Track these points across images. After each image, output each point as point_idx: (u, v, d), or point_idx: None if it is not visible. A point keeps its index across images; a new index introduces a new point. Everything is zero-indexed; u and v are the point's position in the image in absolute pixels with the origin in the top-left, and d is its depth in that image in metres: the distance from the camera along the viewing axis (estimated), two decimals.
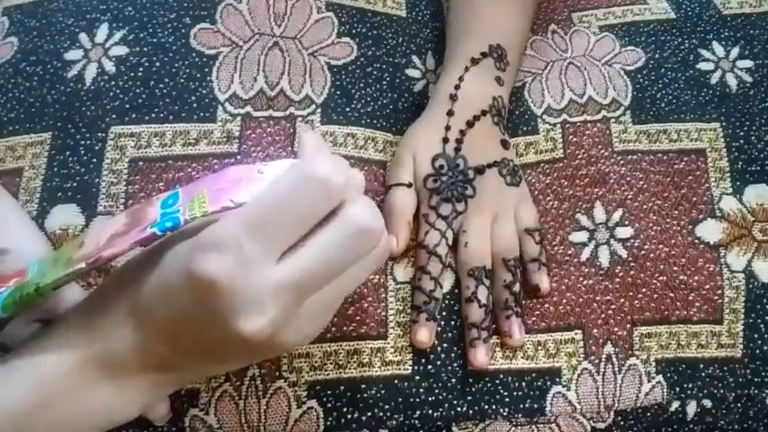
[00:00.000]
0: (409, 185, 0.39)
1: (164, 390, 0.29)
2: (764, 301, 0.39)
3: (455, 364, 0.37)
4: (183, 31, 0.42)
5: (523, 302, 0.38)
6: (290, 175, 0.24)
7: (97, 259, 0.25)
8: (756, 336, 0.39)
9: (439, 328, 0.37)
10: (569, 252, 0.40)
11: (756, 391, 0.38)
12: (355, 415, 0.35)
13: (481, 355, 0.36)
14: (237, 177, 0.27)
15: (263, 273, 0.24)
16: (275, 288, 0.24)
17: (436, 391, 0.36)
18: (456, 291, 0.38)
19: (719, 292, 0.39)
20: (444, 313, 0.37)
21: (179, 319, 0.25)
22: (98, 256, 0.25)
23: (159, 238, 0.25)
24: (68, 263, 0.26)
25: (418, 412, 0.36)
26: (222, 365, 0.30)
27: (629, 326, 0.38)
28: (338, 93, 0.42)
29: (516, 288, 0.37)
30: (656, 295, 0.39)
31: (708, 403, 0.38)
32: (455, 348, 0.37)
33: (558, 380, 0.37)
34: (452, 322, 0.37)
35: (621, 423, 0.37)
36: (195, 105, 0.40)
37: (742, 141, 0.42)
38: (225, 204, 0.25)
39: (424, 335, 0.36)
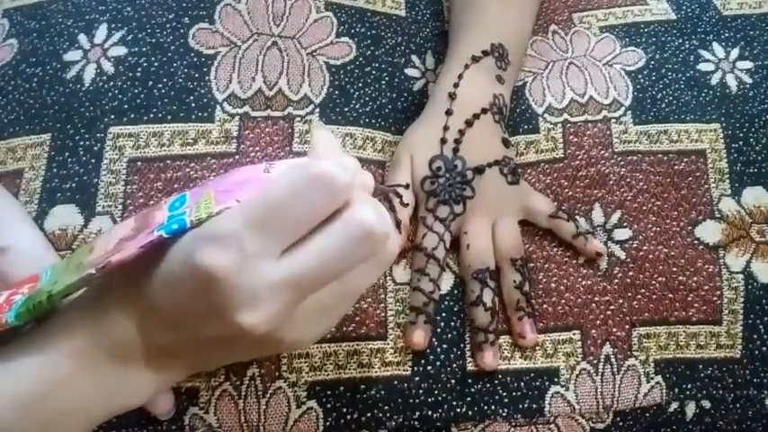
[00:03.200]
0: (406, 187, 0.39)
1: (168, 378, 0.29)
2: (763, 301, 0.39)
3: (454, 365, 0.37)
4: (182, 31, 0.42)
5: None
6: (295, 172, 0.24)
7: (106, 265, 0.25)
8: (755, 336, 0.39)
9: (438, 330, 0.37)
10: (568, 253, 0.40)
11: (755, 392, 0.38)
12: (355, 415, 0.35)
13: (489, 358, 0.36)
14: (244, 178, 0.27)
15: (262, 269, 0.24)
16: (274, 285, 0.24)
17: (436, 391, 0.36)
18: (456, 292, 0.38)
19: (718, 292, 0.39)
20: (444, 314, 0.37)
21: (181, 308, 0.26)
22: (107, 261, 0.25)
23: (165, 241, 0.25)
24: (79, 268, 0.27)
25: (418, 413, 0.36)
26: (223, 357, 0.30)
27: (627, 326, 0.38)
28: (337, 92, 0.42)
29: (526, 288, 0.38)
30: (654, 296, 0.39)
31: (707, 404, 0.38)
32: (454, 349, 0.37)
33: (556, 380, 0.37)
34: (452, 323, 0.37)
35: (620, 423, 0.37)
36: (193, 105, 0.40)
37: (741, 143, 0.42)
38: (230, 205, 0.25)
39: (420, 337, 0.36)
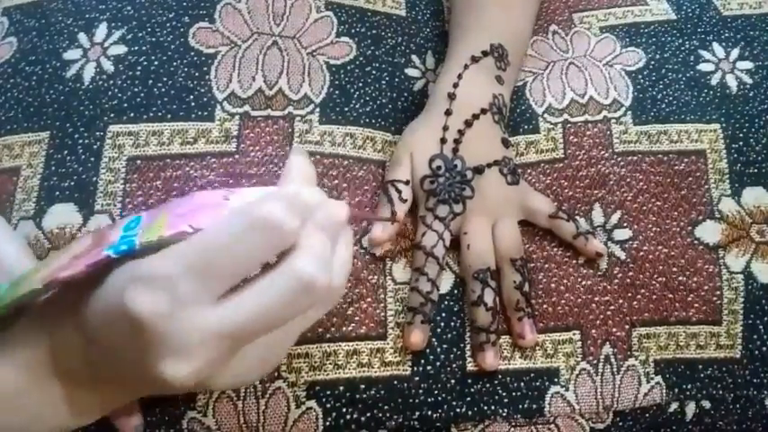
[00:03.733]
0: (406, 183, 0.39)
1: (118, 397, 0.28)
2: (763, 302, 0.39)
3: (454, 365, 0.36)
4: (182, 30, 0.42)
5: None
6: (237, 215, 0.23)
7: (52, 281, 0.24)
8: (755, 336, 0.39)
9: (438, 330, 0.37)
10: (568, 253, 0.40)
11: (755, 392, 0.38)
12: (354, 415, 0.35)
13: (490, 358, 0.36)
14: (201, 203, 0.26)
15: (194, 317, 0.22)
16: (205, 336, 0.22)
17: (435, 391, 0.36)
18: (456, 292, 0.38)
19: (718, 293, 0.39)
20: (444, 314, 0.37)
21: (113, 341, 0.24)
22: (53, 277, 0.25)
23: (113, 261, 0.24)
24: (29, 283, 0.26)
25: (417, 413, 0.36)
26: (159, 390, 0.28)
27: (627, 326, 0.38)
28: (337, 92, 0.42)
29: (526, 288, 0.38)
30: (654, 296, 0.39)
31: (707, 404, 0.38)
32: (454, 349, 0.37)
33: (556, 380, 0.37)
34: (452, 323, 0.37)
35: (620, 424, 0.37)
36: (193, 104, 0.40)
37: (741, 143, 0.42)
38: (182, 229, 0.24)
39: (418, 337, 0.35)
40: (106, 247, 0.25)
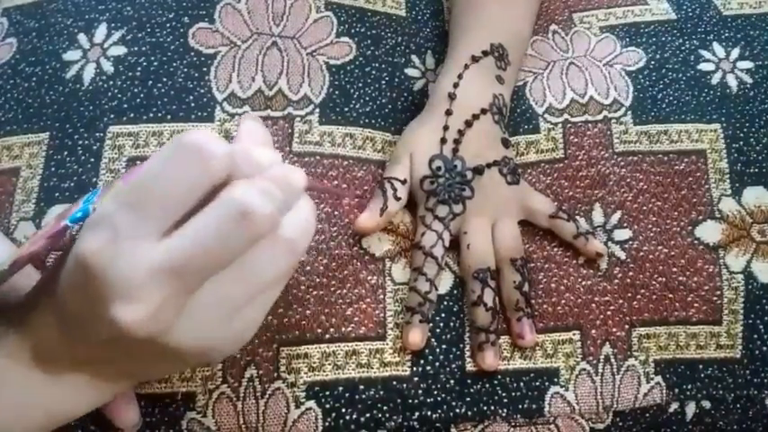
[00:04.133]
0: (403, 182, 0.39)
1: (103, 388, 0.27)
2: (763, 301, 0.39)
3: (454, 366, 0.36)
4: (182, 30, 0.42)
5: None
6: (167, 146, 0.22)
7: (17, 260, 0.24)
8: (756, 336, 0.39)
9: (438, 330, 0.37)
10: (568, 253, 0.40)
11: (755, 392, 0.38)
12: (354, 416, 0.35)
13: (490, 358, 0.36)
14: None
15: (136, 251, 0.21)
16: (151, 270, 0.21)
17: (435, 392, 0.36)
18: (455, 292, 0.38)
19: (718, 292, 0.39)
20: (443, 314, 0.37)
21: (74, 305, 0.24)
22: (18, 256, 0.24)
23: (71, 230, 0.24)
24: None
25: (417, 413, 0.36)
26: (145, 367, 0.27)
27: (627, 327, 0.38)
28: (337, 92, 0.42)
29: (526, 288, 0.37)
30: (654, 296, 0.39)
31: (707, 404, 0.38)
32: (454, 349, 0.37)
33: (555, 380, 0.37)
34: (451, 323, 0.37)
35: (620, 424, 0.37)
36: (193, 105, 0.40)
37: (741, 143, 0.42)
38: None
39: (417, 336, 0.35)
40: (65, 218, 0.24)
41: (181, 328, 0.23)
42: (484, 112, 0.40)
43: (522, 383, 0.37)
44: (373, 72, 0.43)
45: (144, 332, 0.22)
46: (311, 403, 0.35)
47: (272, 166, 0.24)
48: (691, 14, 0.47)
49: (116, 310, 0.21)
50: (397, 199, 0.38)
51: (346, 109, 0.42)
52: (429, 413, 0.36)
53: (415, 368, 0.36)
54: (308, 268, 0.37)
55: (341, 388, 0.35)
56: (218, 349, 0.25)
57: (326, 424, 0.35)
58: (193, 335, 0.23)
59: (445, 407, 0.36)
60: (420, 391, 0.36)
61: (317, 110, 0.41)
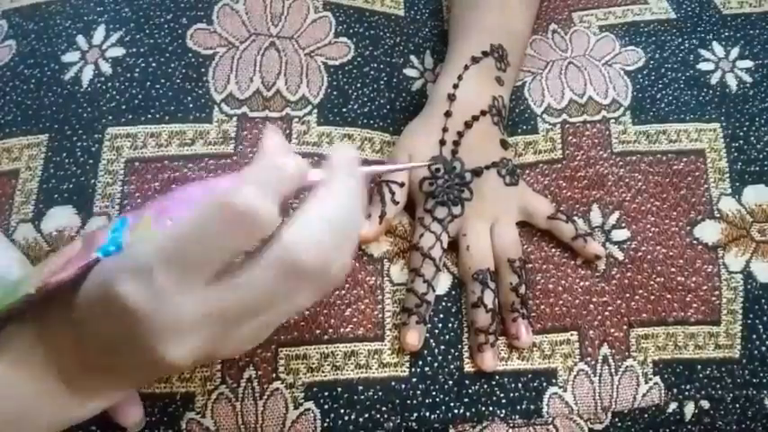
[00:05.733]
0: (402, 185, 0.39)
1: (110, 393, 0.28)
2: (762, 301, 0.39)
3: (452, 366, 0.37)
4: (180, 31, 0.42)
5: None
6: (208, 207, 0.22)
7: (45, 285, 0.25)
8: (754, 336, 0.39)
9: (436, 331, 0.37)
10: (566, 254, 0.39)
11: (754, 392, 0.38)
12: (352, 417, 0.35)
13: (489, 359, 0.36)
14: (184, 198, 0.26)
15: (179, 303, 0.22)
16: (194, 318, 0.23)
17: (433, 393, 0.36)
18: (453, 293, 0.38)
19: (717, 293, 0.39)
20: (442, 315, 0.37)
21: (108, 332, 0.25)
22: (47, 281, 0.25)
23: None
24: (22, 286, 0.26)
25: (415, 414, 0.36)
26: (156, 376, 0.29)
27: (625, 327, 0.38)
28: (335, 93, 0.42)
29: (522, 290, 0.37)
30: (653, 296, 0.39)
31: (705, 404, 0.38)
32: (452, 350, 0.37)
33: (554, 381, 0.37)
34: (450, 324, 0.37)
35: (619, 424, 0.37)
36: (191, 106, 0.40)
37: (741, 142, 0.42)
38: (164, 224, 0.24)
39: (414, 338, 0.36)
40: (96, 249, 0.25)
41: (214, 353, 0.25)
42: (483, 113, 0.40)
43: (520, 384, 0.37)
44: (372, 72, 0.43)
45: (188, 364, 0.24)
46: (310, 404, 0.35)
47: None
48: (690, 13, 0.47)
49: (165, 350, 0.23)
50: (396, 203, 0.38)
51: (344, 109, 0.42)
52: (427, 414, 0.36)
53: (413, 369, 0.36)
54: None
55: (339, 389, 0.35)
56: (235, 356, 0.28)
57: (325, 424, 0.35)
58: (223, 353, 0.25)
59: (443, 407, 0.36)
60: (418, 392, 0.36)
61: (316, 110, 0.41)
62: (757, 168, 0.42)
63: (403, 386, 0.36)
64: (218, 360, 0.30)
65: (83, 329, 0.26)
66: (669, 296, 0.39)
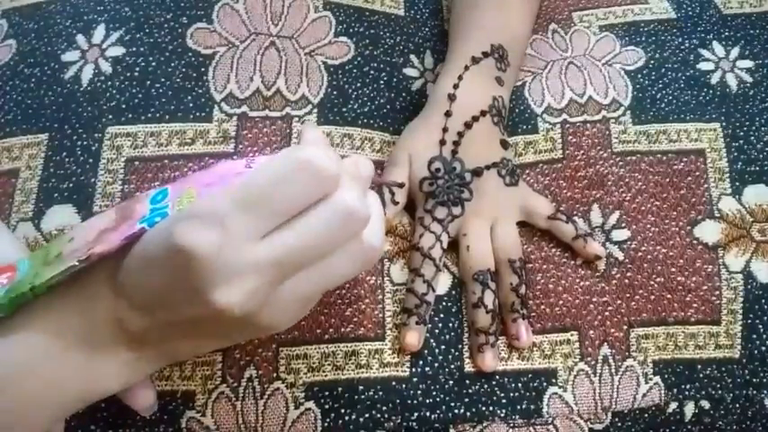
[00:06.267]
0: (401, 186, 0.39)
1: (141, 367, 0.29)
2: (763, 301, 0.39)
3: (452, 366, 0.37)
4: (180, 30, 0.42)
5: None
6: (285, 158, 0.24)
7: (89, 256, 0.25)
8: (755, 336, 0.39)
9: (436, 331, 0.37)
10: (566, 253, 0.39)
11: (754, 392, 0.38)
12: (353, 416, 0.35)
13: (489, 360, 0.36)
14: (226, 172, 0.27)
15: (244, 248, 0.23)
16: (254, 264, 0.24)
17: (434, 392, 0.36)
18: (453, 293, 0.38)
19: (717, 292, 0.39)
20: (442, 315, 0.37)
21: (157, 289, 0.25)
22: (90, 252, 0.25)
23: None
24: (59, 259, 0.26)
25: (416, 414, 0.36)
26: (199, 343, 0.29)
27: (625, 327, 0.38)
28: (335, 93, 0.42)
29: (522, 290, 0.37)
30: (653, 296, 0.39)
31: (706, 404, 0.38)
32: (452, 350, 0.37)
33: (554, 381, 0.37)
34: (450, 324, 0.37)
35: (619, 424, 0.37)
36: (191, 105, 0.40)
37: (741, 142, 0.42)
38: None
39: (414, 338, 0.36)
40: (140, 220, 0.25)
41: (265, 310, 0.25)
42: (483, 113, 0.40)
43: (520, 384, 0.37)
44: (372, 72, 0.43)
45: (238, 312, 0.24)
46: (310, 404, 0.35)
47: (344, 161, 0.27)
48: (691, 13, 0.47)
49: (218, 294, 0.23)
50: (395, 203, 0.38)
51: (344, 109, 0.42)
52: (428, 414, 0.36)
53: (414, 369, 0.36)
54: None
55: (340, 388, 0.35)
56: (282, 327, 0.28)
57: (325, 424, 0.35)
58: (273, 314, 0.26)
59: (444, 407, 0.36)
60: (419, 392, 0.36)
61: (316, 110, 0.41)
62: (757, 168, 0.42)
63: (403, 386, 0.36)
64: (255, 332, 0.30)
65: (131, 290, 0.26)
66: (669, 296, 0.39)
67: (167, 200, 0.27)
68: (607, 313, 0.38)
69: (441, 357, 0.37)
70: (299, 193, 0.24)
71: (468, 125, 0.40)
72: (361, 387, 0.36)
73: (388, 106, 0.43)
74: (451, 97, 0.40)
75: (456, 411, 0.36)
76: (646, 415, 0.38)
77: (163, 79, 0.40)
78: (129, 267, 0.26)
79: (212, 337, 0.28)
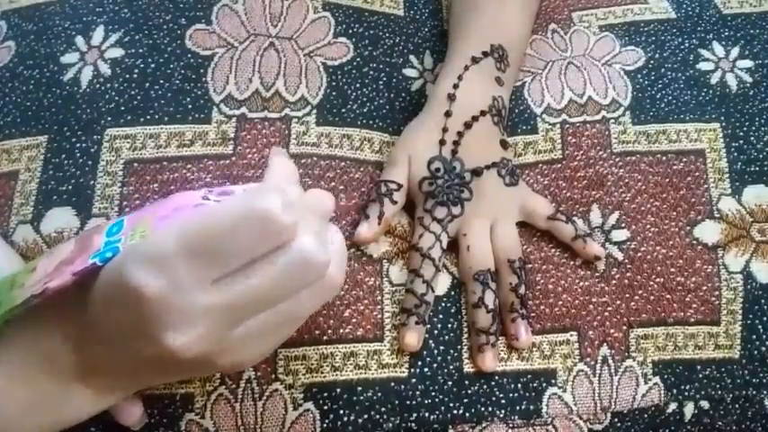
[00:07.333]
0: (400, 186, 0.39)
1: (109, 395, 0.29)
2: (762, 301, 0.39)
3: (451, 367, 0.37)
4: (179, 32, 0.42)
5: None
6: (240, 207, 0.23)
7: (44, 291, 0.25)
8: (754, 336, 0.39)
9: (435, 331, 0.37)
10: (566, 254, 0.39)
11: (754, 392, 0.38)
12: (352, 417, 0.35)
13: (489, 360, 0.36)
14: (183, 204, 0.27)
15: (192, 294, 0.23)
16: (204, 309, 0.24)
17: (433, 393, 0.36)
18: (453, 293, 0.38)
19: (717, 293, 0.39)
20: (441, 316, 0.37)
21: (113, 324, 0.25)
22: (44, 287, 0.25)
23: (100, 269, 0.25)
24: (21, 290, 0.26)
25: (415, 415, 0.36)
26: (160, 376, 0.29)
27: (625, 327, 0.38)
28: (334, 93, 0.42)
29: (522, 290, 0.37)
30: (652, 297, 0.39)
31: (705, 404, 0.38)
32: (452, 351, 0.37)
33: (553, 381, 0.37)
34: (449, 325, 0.37)
35: (618, 425, 0.37)
36: (190, 107, 0.40)
37: (741, 142, 0.42)
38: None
39: (413, 338, 0.36)
40: (92, 254, 0.25)
41: (222, 351, 0.25)
42: (483, 113, 0.40)
43: (519, 385, 0.37)
44: (371, 72, 0.43)
45: (190, 354, 0.24)
46: (309, 405, 0.35)
47: (304, 196, 0.27)
48: (690, 13, 0.47)
49: (170, 338, 0.24)
50: (394, 203, 0.38)
51: (344, 110, 0.41)
52: (427, 414, 0.36)
53: (412, 369, 0.36)
54: None
55: (339, 389, 0.35)
56: (246, 364, 0.28)
57: (324, 425, 0.35)
58: (232, 355, 0.26)
59: (443, 408, 0.36)
60: (418, 393, 0.36)
61: (315, 111, 0.41)
62: (757, 168, 0.41)
63: (402, 387, 0.36)
64: (218, 369, 0.30)
65: (92, 323, 0.26)
66: (669, 296, 0.39)
67: (121, 233, 0.26)
68: (606, 314, 0.38)
69: (440, 358, 0.37)
70: (253, 245, 0.23)
71: (467, 125, 0.40)
72: (359, 388, 0.36)
73: (388, 107, 0.43)
74: (451, 97, 0.40)
75: (455, 412, 0.36)
76: (645, 415, 0.38)
77: (162, 81, 0.40)
78: (93, 301, 0.26)
79: (177, 371, 0.28)
